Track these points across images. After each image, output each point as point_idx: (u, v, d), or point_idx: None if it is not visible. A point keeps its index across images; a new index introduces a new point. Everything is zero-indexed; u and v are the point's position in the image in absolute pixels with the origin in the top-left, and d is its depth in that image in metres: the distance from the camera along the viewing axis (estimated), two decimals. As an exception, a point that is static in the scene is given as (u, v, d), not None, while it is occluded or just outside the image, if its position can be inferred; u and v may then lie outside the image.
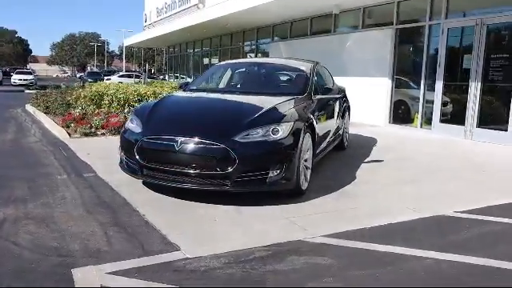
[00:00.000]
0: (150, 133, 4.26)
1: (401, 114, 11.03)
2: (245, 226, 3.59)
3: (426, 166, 6.27)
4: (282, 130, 4.12)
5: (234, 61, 7.73)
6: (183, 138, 4.00)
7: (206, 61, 23.50)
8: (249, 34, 18.69)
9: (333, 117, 6.24)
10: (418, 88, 10.23)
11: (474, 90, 8.80)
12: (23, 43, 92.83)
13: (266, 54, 17.32)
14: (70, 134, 7.95)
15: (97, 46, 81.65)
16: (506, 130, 8.28)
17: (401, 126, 10.67)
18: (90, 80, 28.80)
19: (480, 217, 4.00)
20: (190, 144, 3.99)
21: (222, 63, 7.05)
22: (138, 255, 2.95)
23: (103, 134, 8.12)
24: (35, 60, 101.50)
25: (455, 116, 9.38)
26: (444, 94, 9.58)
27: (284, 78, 6.32)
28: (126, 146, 4.46)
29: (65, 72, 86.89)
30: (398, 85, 11.03)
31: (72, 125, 8.48)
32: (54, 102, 11.41)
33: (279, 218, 3.77)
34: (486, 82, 8.66)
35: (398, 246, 3.24)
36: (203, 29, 18.82)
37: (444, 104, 9.67)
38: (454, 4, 9.44)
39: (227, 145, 3.92)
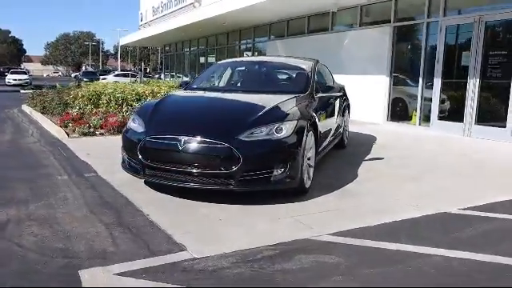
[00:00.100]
0: (152, 132, 4.23)
1: (399, 111, 11.04)
2: (249, 225, 3.57)
3: (427, 163, 6.28)
4: (286, 129, 4.10)
5: (234, 59, 7.71)
6: (186, 138, 3.98)
7: (202, 60, 23.44)
8: (245, 33, 18.64)
9: (334, 115, 6.23)
10: (416, 85, 10.24)
11: (473, 87, 8.82)
12: (17, 43, 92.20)
13: (262, 53, 17.29)
14: (68, 134, 7.89)
15: (91, 45, 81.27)
16: (505, 127, 8.31)
17: (399, 124, 10.68)
18: (85, 80, 28.62)
19: (484, 214, 4.01)
20: (194, 143, 3.97)
21: (222, 62, 7.02)
22: (145, 256, 2.93)
23: (102, 134, 8.08)
24: (29, 60, 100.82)
25: (453, 113, 9.40)
26: (442, 91, 9.60)
27: (285, 77, 6.30)
28: (129, 145, 4.43)
29: (55, 72, 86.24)
30: (396, 82, 11.04)
31: (70, 125, 8.43)
32: (51, 101, 11.32)
33: (284, 217, 3.76)
34: (484, 79, 8.69)
35: (405, 243, 3.23)
36: (199, 27, 18.76)
37: (442, 101, 9.68)
38: (451, 1, 9.45)
39: (231, 144, 3.89)
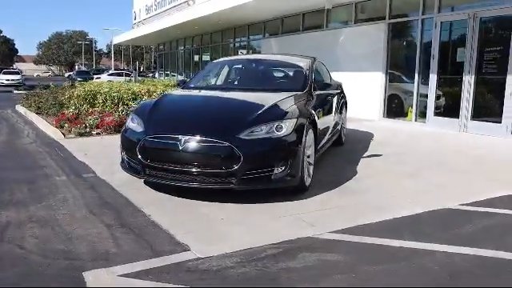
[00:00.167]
0: (152, 132, 4.21)
1: (395, 108, 11.08)
2: (251, 223, 3.57)
3: (425, 160, 6.30)
4: (286, 127, 4.10)
5: (231, 58, 7.69)
6: (186, 137, 3.96)
7: (196, 58, 23.37)
8: (240, 31, 18.59)
9: (332, 112, 6.23)
10: (412, 82, 10.28)
11: (468, 82, 8.86)
12: (9, 43, 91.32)
13: (257, 51, 17.26)
14: (64, 135, 7.85)
15: (84, 44, 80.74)
16: (500, 123, 8.36)
17: (395, 120, 10.72)
18: (79, 79, 28.47)
19: (485, 209, 4.03)
20: (194, 142, 3.96)
21: (219, 60, 6.99)
22: (149, 256, 2.91)
23: (98, 134, 8.03)
24: (22, 60, 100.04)
25: (449, 109, 9.45)
26: (438, 87, 9.63)
27: (283, 75, 6.30)
28: (128, 145, 4.41)
29: (46, 71, 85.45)
30: (391, 79, 11.07)
31: (66, 125, 8.37)
32: (46, 101, 11.24)
33: (285, 215, 3.76)
34: (480, 75, 8.73)
35: (407, 240, 3.25)
36: (194, 26, 18.69)
37: (438, 97, 9.72)
38: (446, -3, 9.50)
39: (232, 142, 3.89)
